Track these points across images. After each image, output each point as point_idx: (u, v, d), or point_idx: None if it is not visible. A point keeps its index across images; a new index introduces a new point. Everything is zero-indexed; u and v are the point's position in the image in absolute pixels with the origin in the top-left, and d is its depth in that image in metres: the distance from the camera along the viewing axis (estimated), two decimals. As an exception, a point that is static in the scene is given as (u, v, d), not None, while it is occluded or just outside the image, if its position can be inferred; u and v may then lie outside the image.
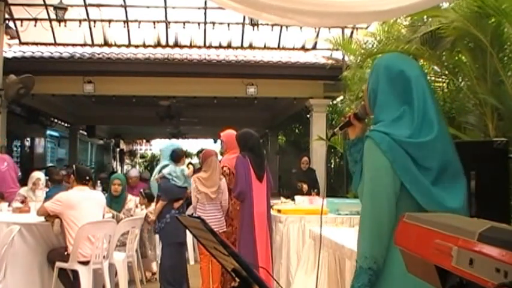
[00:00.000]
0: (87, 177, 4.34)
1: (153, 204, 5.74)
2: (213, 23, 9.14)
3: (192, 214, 5.46)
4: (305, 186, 6.95)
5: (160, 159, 5.05)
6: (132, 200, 5.36)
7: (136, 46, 9.26)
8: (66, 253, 4.03)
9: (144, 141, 26.75)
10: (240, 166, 4.20)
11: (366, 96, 1.63)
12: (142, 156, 27.62)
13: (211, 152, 4.73)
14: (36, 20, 8.57)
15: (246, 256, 3.98)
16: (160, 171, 4.95)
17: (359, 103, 1.84)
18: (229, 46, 9.45)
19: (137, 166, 24.31)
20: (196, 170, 5.15)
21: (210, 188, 4.48)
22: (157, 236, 5.81)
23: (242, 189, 4.16)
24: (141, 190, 5.90)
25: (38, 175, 6.13)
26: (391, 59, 1.69)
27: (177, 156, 4.90)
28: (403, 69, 1.55)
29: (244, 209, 4.19)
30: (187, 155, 5.57)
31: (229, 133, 4.81)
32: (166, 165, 4.89)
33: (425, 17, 5.11)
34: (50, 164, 12.64)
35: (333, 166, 10.53)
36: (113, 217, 4.80)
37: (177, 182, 4.79)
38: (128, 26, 9.12)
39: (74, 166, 4.46)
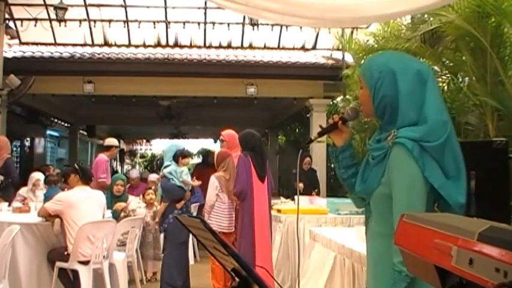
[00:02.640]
0: (91, 177, 4.36)
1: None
2: (213, 23, 9.13)
3: (191, 213, 5.47)
4: (301, 185, 6.97)
5: (164, 160, 5.00)
6: (134, 201, 5.38)
7: (137, 46, 9.25)
8: (66, 253, 4.03)
9: (144, 141, 26.75)
10: (242, 165, 4.21)
11: (370, 101, 1.56)
12: (142, 156, 27.61)
13: (228, 153, 4.72)
14: (36, 20, 8.56)
15: (245, 255, 3.99)
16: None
17: (356, 105, 1.74)
18: (229, 46, 9.44)
19: (137, 166, 24.30)
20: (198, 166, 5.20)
21: (225, 187, 4.55)
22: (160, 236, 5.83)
23: (243, 188, 4.16)
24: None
25: (38, 176, 6.14)
26: (402, 60, 1.62)
27: (177, 156, 4.91)
28: (419, 69, 1.54)
29: (245, 209, 4.19)
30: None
31: (231, 133, 4.84)
32: (168, 166, 4.88)
33: (425, 16, 5.11)
34: (49, 164, 12.62)
35: (332, 166, 10.52)
36: (121, 211, 4.84)
37: (176, 182, 4.79)
38: (128, 26, 9.12)
39: (77, 166, 4.42)
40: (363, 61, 6.63)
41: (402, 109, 1.50)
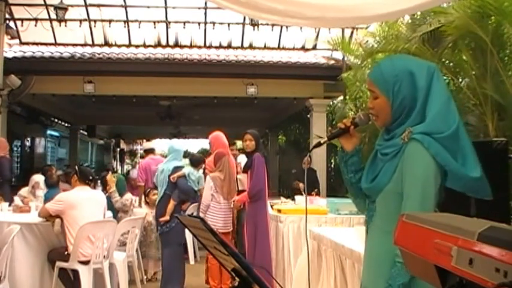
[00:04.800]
0: (90, 177, 4.35)
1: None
2: (213, 23, 9.13)
3: (192, 213, 5.48)
4: (301, 185, 6.97)
5: (171, 157, 4.87)
6: (128, 196, 5.40)
7: (137, 46, 9.25)
8: (66, 253, 4.03)
9: (145, 141, 26.71)
10: (261, 165, 4.24)
11: (388, 108, 1.55)
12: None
13: (223, 152, 4.75)
14: (36, 20, 8.56)
15: (262, 255, 4.05)
16: (173, 170, 4.76)
17: (362, 110, 1.74)
18: (229, 46, 9.44)
19: (137, 166, 24.30)
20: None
21: (227, 188, 4.58)
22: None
23: (261, 187, 4.21)
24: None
25: (37, 178, 6.19)
26: (413, 60, 1.66)
27: (197, 162, 5.04)
28: (429, 65, 1.59)
29: (258, 208, 4.23)
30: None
31: (215, 134, 4.91)
32: (181, 167, 4.86)
33: (426, 17, 5.11)
34: (49, 164, 12.63)
35: (333, 166, 10.53)
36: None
37: (193, 185, 4.89)
38: (128, 26, 9.12)
39: (76, 167, 4.46)
40: (360, 61, 6.63)
41: (419, 107, 1.52)
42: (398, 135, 1.53)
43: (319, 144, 1.71)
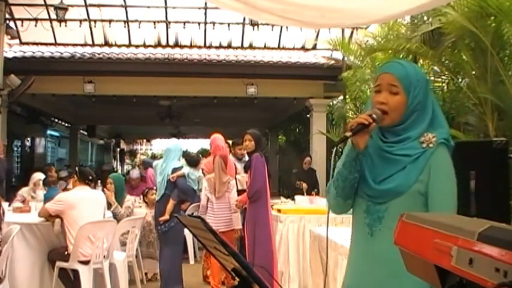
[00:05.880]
0: (90, 177, 4.35)
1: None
2: (213, 23, 9.14)
3: (193, 213, 5.49)
4: (304, 185, 6.97)
5: (168, 158, 4.87)
6: (129, 200, 5.39)
7: (137, 46, 9.25)
8: (66, 253, 4.03)
9: (145, 141, 26.75)
10: (261, 165, 4.26)
11: (403, 108, 1.59)
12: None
13: (212, 153, 4.82)
14: (36, 20, 8.57)
15: (264, 258, 4.06)
16: (172, 171, 4.76)
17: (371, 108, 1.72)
18: (229, 46, 9.45)
19: (136, 166, 24.31)
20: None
21: (212, 187, 4.62)
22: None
23: (259, 187, 4.22)
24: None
25: (39, 176, 6.18)
26: (424, 73, 1.82)
27: (195, 161, 5.06)
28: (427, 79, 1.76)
29: (258, 208, 4.24)
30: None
31: (214, 137, 4.95)
32: (180, 167, 4.87)
33: (425, 17, 5.11)
34: (49, 163, 12.63)
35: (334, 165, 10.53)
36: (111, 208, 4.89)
37: (192, 184, 4.92)
38: (128, 26, 9.12)
39: (76, 167, 4.48)
40: (359, 61, 6.63)
41: (430, 114, 1.61)
42: (414, 139, 1.59)
43: (345, 138, 1.62)
